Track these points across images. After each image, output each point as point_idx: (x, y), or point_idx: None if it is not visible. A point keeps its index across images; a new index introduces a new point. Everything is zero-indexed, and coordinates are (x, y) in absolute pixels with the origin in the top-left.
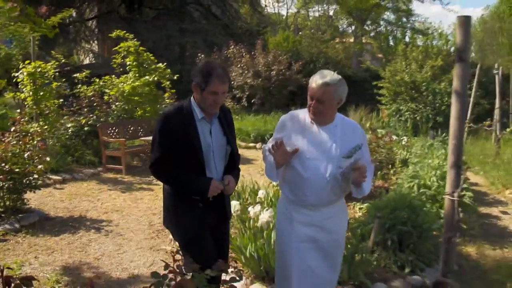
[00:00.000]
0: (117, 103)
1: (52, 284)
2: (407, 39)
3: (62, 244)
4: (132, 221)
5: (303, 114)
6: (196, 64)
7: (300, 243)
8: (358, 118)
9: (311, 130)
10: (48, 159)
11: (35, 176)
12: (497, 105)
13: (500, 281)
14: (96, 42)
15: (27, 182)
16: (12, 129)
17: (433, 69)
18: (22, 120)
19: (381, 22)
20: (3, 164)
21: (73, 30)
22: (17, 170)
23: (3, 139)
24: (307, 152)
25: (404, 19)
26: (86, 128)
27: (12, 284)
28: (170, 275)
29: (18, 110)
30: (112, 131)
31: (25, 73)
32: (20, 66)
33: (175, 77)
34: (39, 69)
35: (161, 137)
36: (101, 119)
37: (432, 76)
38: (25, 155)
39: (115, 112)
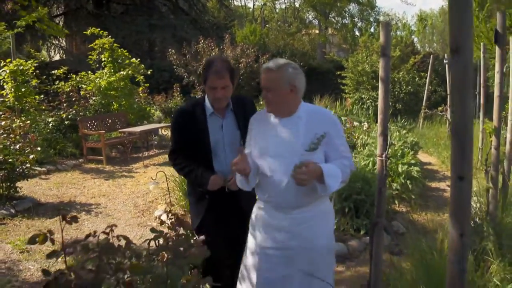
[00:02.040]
0: (94, 98)
1: (55, 259)
2: (372, 30)
3: (57, 225)
4: (119, 204)
5: None
6: (166, 59)
7: (269, 249)
8: (323, 106)
9: (272, 124)
10: (39, 148)
11: (27, 165)
12: (448, 91)
13: (440, 238)
14: (63, 38)
15: (20, 171)
16: (3, 122)
17: (392, 59)
18: (3, 116)
19: (346, 14)
20: None
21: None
22: (10, 160)
23: None
24: (270, 149)
25: (368, 11)
26: (66, 122)
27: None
28: (166, 231)
29: None
30: (91, 124)
31: (7, 71)
32: (2, 64)
33: (148, 72)
34: (21, 67)
35: (174, 130)
36: (81, 113)
37: (392, 65)
38: (17, 146)
39: (92, 106)
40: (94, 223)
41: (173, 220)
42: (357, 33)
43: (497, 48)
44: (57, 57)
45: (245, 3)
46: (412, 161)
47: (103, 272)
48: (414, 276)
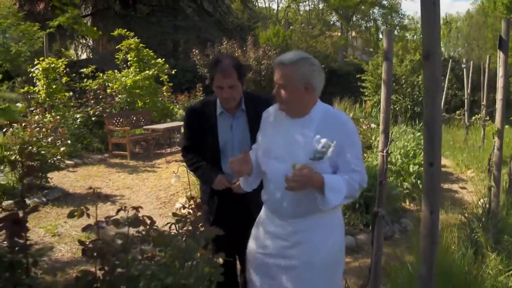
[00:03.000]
0: (119, 96)
1: (85, 239)
2: (395, 33)
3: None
4: (142, 196)
5: None
6: (189, 59)
7: (268, 257)
8: (343, 109)
9: (281, 124)
10: (69, 142)
11: (58, 157)
12: (466, 96)
13: (444, 235)
14: (88, 37)
15: (51, 162)
16: (36, 117)
17: (411, 63)
18: (34, 111)
19: (371, 17)
20: (29, 147)
21: (67, 26)
22: (42, 152)
23: (27, 127)
24: (273, 151)
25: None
26: (93, 119)
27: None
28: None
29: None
30: (117, 121)
31: (40, 69)
32: (35, 62)
33: (173, 72)
34: (52, 65)
35: (185, 128)
36: (107, 110)
37: (411, 69)
38: (49, 139)
39: (118, 104)
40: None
41: (193, 205)
42: (380, 36)
43: (501, 53)
44: (84, 56)
45: (269, 4)
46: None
47: (130, 243)
48: (413, 266)
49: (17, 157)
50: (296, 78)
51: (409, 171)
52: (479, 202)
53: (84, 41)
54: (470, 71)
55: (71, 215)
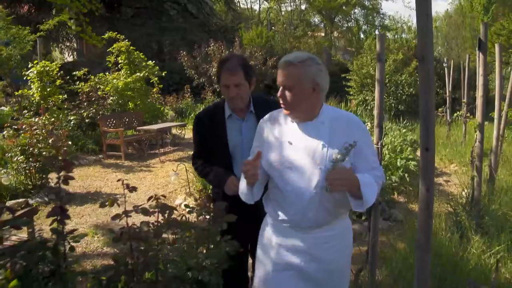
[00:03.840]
0: (111, 98)
1: (92, 235)
2: (377, 32)
3: (88, 211)
4: (141, 194)
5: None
6: (175, 61)
7: (283, 271)
8: None
9: (291, 130)
10: (70, 143)
11: (60, 158)
12: (447, 94)
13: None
14: (74, 40)
15: (54, 163)
16: (37, 119)
17: (395, 62)
18: (27, 114)
19: (352, 17)
20: (31, 149)
21: (54, 29)
22: (44, 153)
23: (23, 129)
24: (287, 160)
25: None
26: (86, 120)
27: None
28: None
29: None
30: (110, 122)
31: (34, 72)
32: (30, 66)
33: (163, 74)
34: (47, 68)
35: (194, 135)
36: (100, 112)
37: (394, 69)
38: (50, 140)
39: (110, 106)
40: (121, 209)
41: (203, 198)
42: (362, 36)
43: (480, 54)
44: (69, 58)
45: (251, 5)
46: (410, 156)
47: (161, 228)
48: (406, 251)
49: (19, 158)
50: (304, 78)
51: (396, 165)
52: (463, 193)
53: (69, 44)
54: (451, 69)
55: (103, 205)
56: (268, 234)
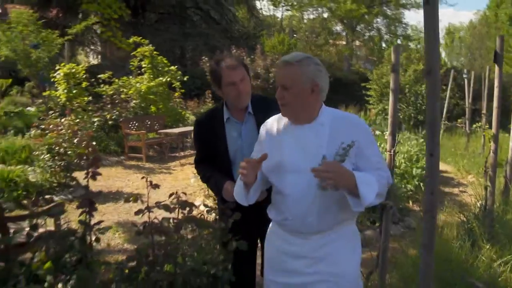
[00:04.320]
0: (134, 101)
1: (114, 232)
2: (399, 41)
3: (110, 209)
4: (161, 195)
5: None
6: (197, 66)
7: (288, 278)
8: None
9: (288, 133)
10: (94, 143)
11: (84, 157)
12: (467, 105)
13: (445, 232)
14: (98, 44)
15: (77, 162)
16: (63, 120)
17: (415, 73)
18: (53, 114)
19: (374, 26)
20: (57, 148)
21: (80, 32)
22: (69, 152)
23: (49, 129)
24: (286, 163)
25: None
26: (110, 122)
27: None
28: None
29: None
30: (133, 125)
31: (61, 74)
32: (57, 68)
33: (185, 78)
34: (73, 70)
35: (195, 141)
36: (122, 115)
37: (415, 79)
38: (75, 140)
39: (133, 108)
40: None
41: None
42: (384, 45)
43: (496, 66)
44: (94, 62)
45: (273, 12)
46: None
47: (181, 223)
48: (418, 257)
49: (45, 156)
50: (301, 78)
51: (412, 174)
52: (478, 204)
53: (93, 47)
54: (472, 81)
55: (127, 200)
56: (271, 240)
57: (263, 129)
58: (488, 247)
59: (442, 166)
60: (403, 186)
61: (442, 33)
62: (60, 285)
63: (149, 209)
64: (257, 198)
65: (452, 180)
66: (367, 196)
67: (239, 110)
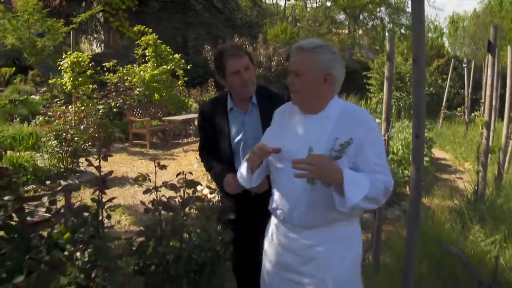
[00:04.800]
0: (138, 89)
1: (120, 215)
2: (402, 31)
3: (116, 193)
4: (166, 179)
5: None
6: (199, 55)
7: (282, 272)
8: None
9: (295, 123)
10: (101, 130)
11: (90, 143)
12: (466, 94)
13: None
14: (101, 33)
15: (84, 148)
16: (70, 107)
17: None
18: (58, 102)
19: (377, 16)
20: (64, 134)
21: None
22: (76, 138)
23: (61, 116)
24: (285, 151)
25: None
26: (114, 110)
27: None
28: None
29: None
30: (137, 112)
31: (68, 62)
32: (64, 56)
33: (188, 67)
34: (80, 59)
35: (198, 129)
36: (127, 102)
37: None
38: (82, 127)
39: (137, 96)
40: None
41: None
42: (387, 34)
43: (490, 56)
44: (97, 50)
45: (276, 1)
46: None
47: (188, 200)
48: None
49: (53, 142)
50: (315, 66)
51: (409, 161)
52: (471, 189)
53: (96, 36)
54: (472, 70)
55: (136, 180)
56: (270, 231)
57: (276, 113)
58: (477, 228)
59: (441, 154)
60: (400, 172)
61: (446, 22)
62: (78, 253)
63: (156, 188)
64: (259, 183)
65: (450, 167)
66: (352, 197)
67: (243, 100)
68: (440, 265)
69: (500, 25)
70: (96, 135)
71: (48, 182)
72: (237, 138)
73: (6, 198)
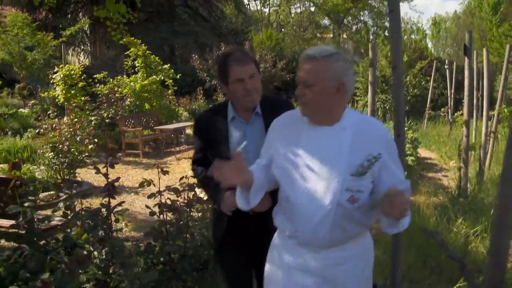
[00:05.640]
0: (129, 99)
1: (121, 222)
2: (387, 33)
3: (113, 202)
4: (161, 187)
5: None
6: (186, 64)
7: None
8: None
9: (307, 135)
10: (96, 140)
11: (86, 154)
12: (449, 94)
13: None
14: (88, 44)
15: (81, 159)
16: (65, 119)
17: None
18: (51, 114)
19: (362, 19)
20: (60, 146)
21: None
22: (72, 150)
23: (57, 128)
24: (300, 167)
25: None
26: (106, 121)
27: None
28: None
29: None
30: (129, 122)
31: (61, 75)
32: (56, 69)
33: (177, 76)
34: (72, 71)
35: (195, 139)
36: (119, 113)
37: None
38: (77, 138)
39: (128, 106)
40: (143, 201)
41: None
42: (371, 37)
43: (466, 59)
44: (86, 62)
45: (261, 8)
46: (408, 152)
47: (191, 201)
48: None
49: (49, 154)
50: (328, 75)
51: None
52: (455, 185)
53: (83, 47)
54: (454, 71)
55: (141, 185)
56: (277, 251)
57: (274, 125)
58: (460, 221)
59: (426, 153)
60: None
61: (429, 24)
62: (95, 252)
63: (160, 192)
64: (258, 202)
65: (436, 166)
66: (406, 222)
67: (246, 109)
68: (426, 256)
69: (480, 26)
70: (105, 144)
71: (44, 194)
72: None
73: (26, 204)
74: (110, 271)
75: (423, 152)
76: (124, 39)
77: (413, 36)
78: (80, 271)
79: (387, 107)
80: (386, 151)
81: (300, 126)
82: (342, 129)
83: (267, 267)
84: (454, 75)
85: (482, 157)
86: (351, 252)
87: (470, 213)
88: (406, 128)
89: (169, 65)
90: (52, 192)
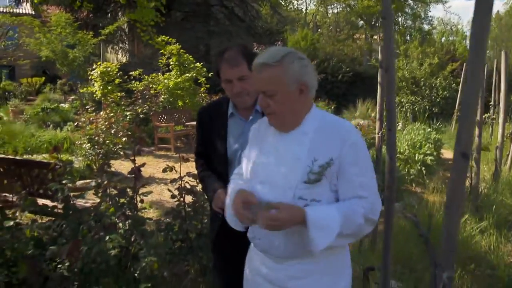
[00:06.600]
0: (163, 96)
1: (148, 208)
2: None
3: (143, 191)
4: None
5: None
6: None
7: None
8: (365, 109)
9: (271, 139)
10: (129, 133)
11: (120, 146)
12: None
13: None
14: (126, 42)
15: (115, 150)
16: (102, 113)
17: (431, 66)
18: (89, 109)
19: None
20: (96, 138)
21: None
22: (107, 141)
23: (94, 122)
24: (260, 174)
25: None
26: (141, 116)
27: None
28: None
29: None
30: (162, 118)
31: (98, 72)
32: (94, 66)
33: (210, 75)
34: (108, 68)
35: (196, 132)
36: (152, 109)
37: (430, 72)
38: (112, 131)
39: (162, 103)
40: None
41: None
42: (408, 38)
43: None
44: (123, 60)
45: (298, 6)
46: (428, 152)
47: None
48: (407, 225)
49: (86, 145)
50: (287, 80)
51: (415, 160)
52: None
53: (122, 45)
54: (485, 72)
55: (164, 170)
56: (249, 259)
57: (251, 130)
58: (467, 216)
59: (450, 154)
60: (406, 170)
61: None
62: (120, 224)
63: (181, 177)
64: None
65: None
66: (320, 242)
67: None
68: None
69: None
70: (135, 135)
71: (80, 182)
72: (235, 147)
73: (64, 181)
74: (132, 240)
75: (447, 154)
76: (151, 40)
77: (451, 38)
78: (106, 237)
79: (415, 109)
80: (349, 155)
81: (266, 132)
82: (303, 133)
83: (245, 271)
84: (485, 78)
85: (498, 158)
86: (314, 269)
87: (479, 211)
88: (429, 129)
89: (203, 63)
90: (88, 180)
